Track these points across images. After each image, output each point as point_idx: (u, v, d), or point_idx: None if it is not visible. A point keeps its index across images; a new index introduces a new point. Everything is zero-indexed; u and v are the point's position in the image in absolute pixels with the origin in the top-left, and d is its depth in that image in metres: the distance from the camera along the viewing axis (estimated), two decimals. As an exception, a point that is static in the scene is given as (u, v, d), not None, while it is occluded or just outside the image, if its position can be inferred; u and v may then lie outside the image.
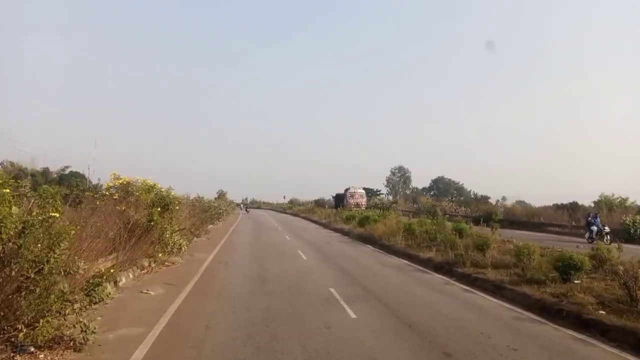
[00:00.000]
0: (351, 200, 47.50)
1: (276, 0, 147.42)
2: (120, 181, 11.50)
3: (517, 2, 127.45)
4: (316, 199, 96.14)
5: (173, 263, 13.34)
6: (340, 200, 50.52)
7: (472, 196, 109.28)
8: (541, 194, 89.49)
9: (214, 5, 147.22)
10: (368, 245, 18.87)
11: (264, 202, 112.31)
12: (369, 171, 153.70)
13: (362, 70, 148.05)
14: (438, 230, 16.51)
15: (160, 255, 13.16)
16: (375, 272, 12.06)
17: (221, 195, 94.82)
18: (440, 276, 11.60)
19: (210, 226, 27.58)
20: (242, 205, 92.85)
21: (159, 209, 11.68)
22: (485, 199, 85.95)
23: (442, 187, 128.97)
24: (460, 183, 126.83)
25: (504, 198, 70.26)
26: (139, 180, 11.86)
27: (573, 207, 29.78)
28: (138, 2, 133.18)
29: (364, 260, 14.27)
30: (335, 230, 27.42)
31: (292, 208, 66.58)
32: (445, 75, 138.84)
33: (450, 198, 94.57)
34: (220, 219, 32.40)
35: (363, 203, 48.37)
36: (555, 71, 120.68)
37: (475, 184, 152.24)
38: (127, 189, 11.59)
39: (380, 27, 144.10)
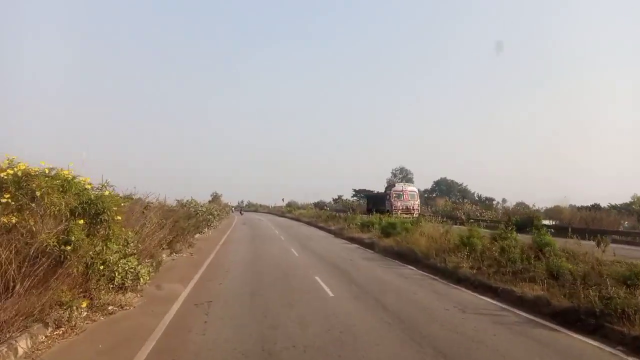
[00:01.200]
0: (397, 203, 35.69)
1: (275, 1, 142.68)
2: (12, 172, 6.31)
3: (520, 2, 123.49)
4: (316, 201, 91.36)
5: (121, 307, 8.13)
6: (377, 202, 38.81)
7: (477, 198, 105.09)
8: (542, 197, 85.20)
9: (213, 6, 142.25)
10: (409, 267, 13.58)
11: (260, 205, 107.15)
12: (369, 173, 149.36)
13: (361, 70, 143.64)
14: (512, 247, 11.43)
15: (102, 293, 7.99)
16: (463, 329, 6.76)
17: (215, 198, 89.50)
18: (593, 343, 6.25)
19: (197, 235, 22.41)
20: (235, 208, 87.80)
21: (82, 222, 6.55)
22: (489, 200, 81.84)
23: (444, 189, 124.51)
24: (464, 184, 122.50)
25: (504, 200, 66.15)
26: (46, 171, 6.63)
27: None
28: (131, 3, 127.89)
29: (425, 299, 8.98)
30: (352, 240, 22.22)
31: (292, 212, 61.27)
32: (445, 75, 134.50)
33: (455, 200, 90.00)
34: (211, 226, 27.20)
35: (415, 207, 35.73)
36: (557, 72, 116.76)
37: (476, 186, 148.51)
38: (28, 186, 6.44)
39: (381, 27, 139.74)
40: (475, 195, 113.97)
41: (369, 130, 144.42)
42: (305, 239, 24.02)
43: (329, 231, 28.92)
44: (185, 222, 17.95)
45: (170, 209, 16.80)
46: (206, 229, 23.14)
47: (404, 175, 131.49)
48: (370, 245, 18.80)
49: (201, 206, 24.03)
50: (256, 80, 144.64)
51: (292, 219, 51.29)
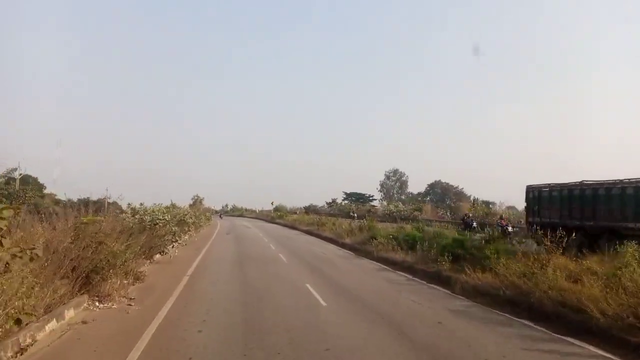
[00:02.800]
0: None
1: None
2: None
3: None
4: (306, 205, 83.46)
5: None
6: None
7: (472, 201, 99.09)
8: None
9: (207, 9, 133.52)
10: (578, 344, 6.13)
11: (246, 210, 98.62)
12: (359, 176, 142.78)
13: (351, 72, 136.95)
14: None
15: None
16: None
17: (197, 201, 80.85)
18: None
19: (157, 257, 14.60)
20: (216, 212, 79.72)
21: None
22: (487, 204, 75.66)
23: (439, 192, 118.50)
24: (460, 187, 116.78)
25: (492, 203, 60.62)
26: None
27: None
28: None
29: None
30: (392, 265, 14.63)
31: (284, 217, 53.23)
32: (438, 77, 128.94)
33: (450, 204, 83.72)
34: (180, 241, 19.21)
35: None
36: (549, 76, 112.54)
37: (473, 189, 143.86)
38: None
39: (372, 30, 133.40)
40: (471, 198, 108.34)
41: (358, 132, 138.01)
42: (320, 261, 16.21)
43: (346, 247, 21.27)
44: (125, 241, 10.12)
45: (92, 221, 8.97)
46: (172, 246, 15.35)
47: (397, 178, 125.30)
48: (439, 280, 11.24)
49: (163, 213, 16.06)
50: (240, 81, 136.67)
51: (285, 226, 43.46)
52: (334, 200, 77.31)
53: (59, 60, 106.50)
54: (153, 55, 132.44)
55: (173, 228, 15.75)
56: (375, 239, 19.11)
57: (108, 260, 8.72)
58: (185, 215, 23.70)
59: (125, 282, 9.87)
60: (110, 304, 8.54)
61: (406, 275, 13.04)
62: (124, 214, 15.28)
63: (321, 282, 11.47)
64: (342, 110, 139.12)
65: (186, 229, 23.52)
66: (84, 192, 23.35)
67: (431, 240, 14.37)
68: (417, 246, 14.76)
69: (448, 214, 46.64)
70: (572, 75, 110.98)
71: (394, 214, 45.66)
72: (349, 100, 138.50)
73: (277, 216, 55.24)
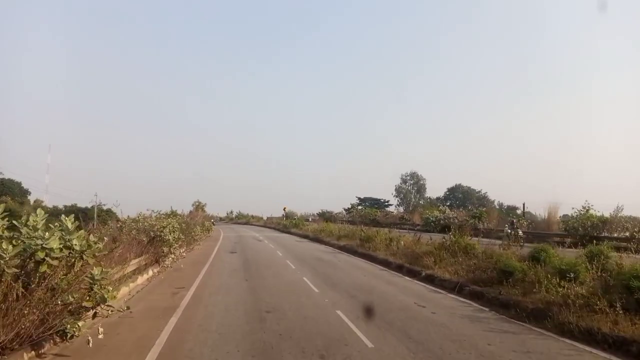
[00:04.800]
0: None
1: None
2: None
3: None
4: (320, 211, 73.79)
5: None
6: None
7: (497, 206, 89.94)
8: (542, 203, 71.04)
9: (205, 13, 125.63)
10: None
11: (252, 217, 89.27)
12: (370, 181, 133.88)
13: (365, 72, 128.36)
14: None
15: None
16: None
17: (198, 207, 71.57)
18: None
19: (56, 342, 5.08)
20: (215, 221, 70.72)
21: None
22: (512, 209, 66.66)
23: (460, 197, 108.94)
24: (482, 192, 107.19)
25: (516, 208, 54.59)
26: None
27: None
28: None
29: None
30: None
31: (299, 226, 43.63)
32: (461, 79, 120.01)
33: (471, 209, 74.38)
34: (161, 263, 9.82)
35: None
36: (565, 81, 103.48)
37: (496, 193, 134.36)
38: None
39: (386, 30, 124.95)
40: (495, 203, 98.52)
41: (368, 137, 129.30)
42: (452, 344, 6.73)
43: (445, 286, 11.56)
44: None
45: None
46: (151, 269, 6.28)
47: (415, 182, 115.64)
48: None
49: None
50: (248, 86, 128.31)
51: (305, 237, 33.94)
52: (353, 206, 67.76)
53: (46, 64, 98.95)
54: (154, 60, 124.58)
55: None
56: (509, 273, 9.71)
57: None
58: (164, 228, 14.32)
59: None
60: None
61: None
62: None
63: None
64: (351, 115, 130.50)
65: (165, 250, 14.23)
66: (78, 199, 14.56)
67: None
68: None
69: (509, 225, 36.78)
70: (588, 76, 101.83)
71: (440, 221, 36.10)
72: (357, 105, 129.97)
73: (291, 225, 45.63)
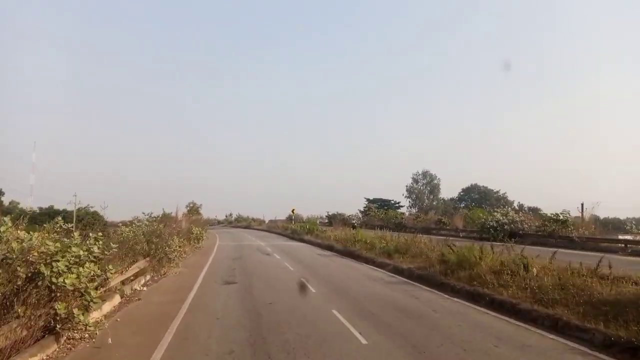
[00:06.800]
0: None
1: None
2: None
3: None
4: (330, 213, 64.95)
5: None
6: None
7: (517, 207, 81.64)
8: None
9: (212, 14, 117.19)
10: None
11: (253, 220, 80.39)
12: (378, 182, 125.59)
13: (371, 73, 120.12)
14: None
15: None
16: None
17: (192, 209, 62.81)
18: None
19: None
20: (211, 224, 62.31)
21: None
22: (534, 211, 58.60)
23: (476, 198, 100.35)
24: (501, 192, 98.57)
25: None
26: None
27: None
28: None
29: None
30: None
31: (314, 232, 34.75)
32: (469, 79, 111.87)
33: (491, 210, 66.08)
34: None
35: None
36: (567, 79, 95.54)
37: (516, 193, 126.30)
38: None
39: (396, 29, 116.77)
40: (515, 204, 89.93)
41: (376, 137, 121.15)
42: None
43: None
44: None
45: None
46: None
47: (428, 181, 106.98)
48: None
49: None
50: (253, 83, 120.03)
51: (326, 248, 25.14)
52: (369, 208, 58.84)
53: (30, 65, 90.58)
54: (153, 56, 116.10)
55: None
56: None
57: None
58: (52, 258, 5.63)
59: None
60: None
61: None
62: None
63: None
64: (354, 114, 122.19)
65: (60, 310, 5.31)
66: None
67: None
68: None
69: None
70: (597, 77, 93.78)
71: (505, 226, 27.38)
72: (361, 102, 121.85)
73: (304, 230, 36.68)
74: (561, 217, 24.75)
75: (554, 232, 24.33)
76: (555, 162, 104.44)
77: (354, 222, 47.10)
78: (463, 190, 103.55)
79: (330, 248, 24.44)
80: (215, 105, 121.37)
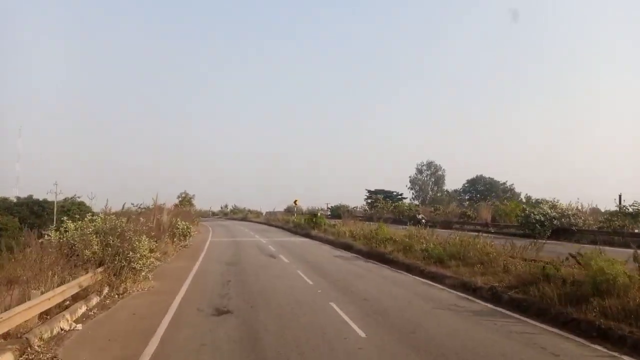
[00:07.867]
0: None
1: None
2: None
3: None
4: (333, 205, 60.33)
5: None
6: None
7: (524, 199, 77.57)
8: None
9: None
10: None
11: (250, 211, 75.55)
12: (379, 173, 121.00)
13: (373, 61, 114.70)
14: None
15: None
16: None
17: (184, 200, 57.73)
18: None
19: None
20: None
21: None
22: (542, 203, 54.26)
23: (481, 189, 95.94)
24: (508, 183, 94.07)
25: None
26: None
27: None
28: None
29: None
30: None
31: (323, 226, 29.90)
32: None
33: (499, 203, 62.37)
34: None
35: None
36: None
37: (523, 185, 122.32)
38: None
39: (397, 22, 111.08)
40: (522, 196, 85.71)
41: (376, 128, 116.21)
42: None
43: None
44: None
45: None
46: None
47: (432, 172, 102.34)
48: None
49: None
50: (254, 72, 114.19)
51: (342, 247, 20.34)
52: (376, 199, 53.89)
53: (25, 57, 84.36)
54: (153, 55, 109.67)
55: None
56: None
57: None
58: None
59: None
60: None
61: None
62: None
63: None
64: (354, 104, 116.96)
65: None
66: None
67: None
68: None
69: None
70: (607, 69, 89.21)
71: (554, 220, 22.74)
72: (362, 94, 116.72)
73: (310, 224, 31.81)
74: (630, 210, 20.04)
75: (623, 227, 19.65)
76: (564, 154, 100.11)
77: (362, 214, 42.34)
78: (468, 181, 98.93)
79: (347, 247, 19.63)
80: (212, 93, 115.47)
